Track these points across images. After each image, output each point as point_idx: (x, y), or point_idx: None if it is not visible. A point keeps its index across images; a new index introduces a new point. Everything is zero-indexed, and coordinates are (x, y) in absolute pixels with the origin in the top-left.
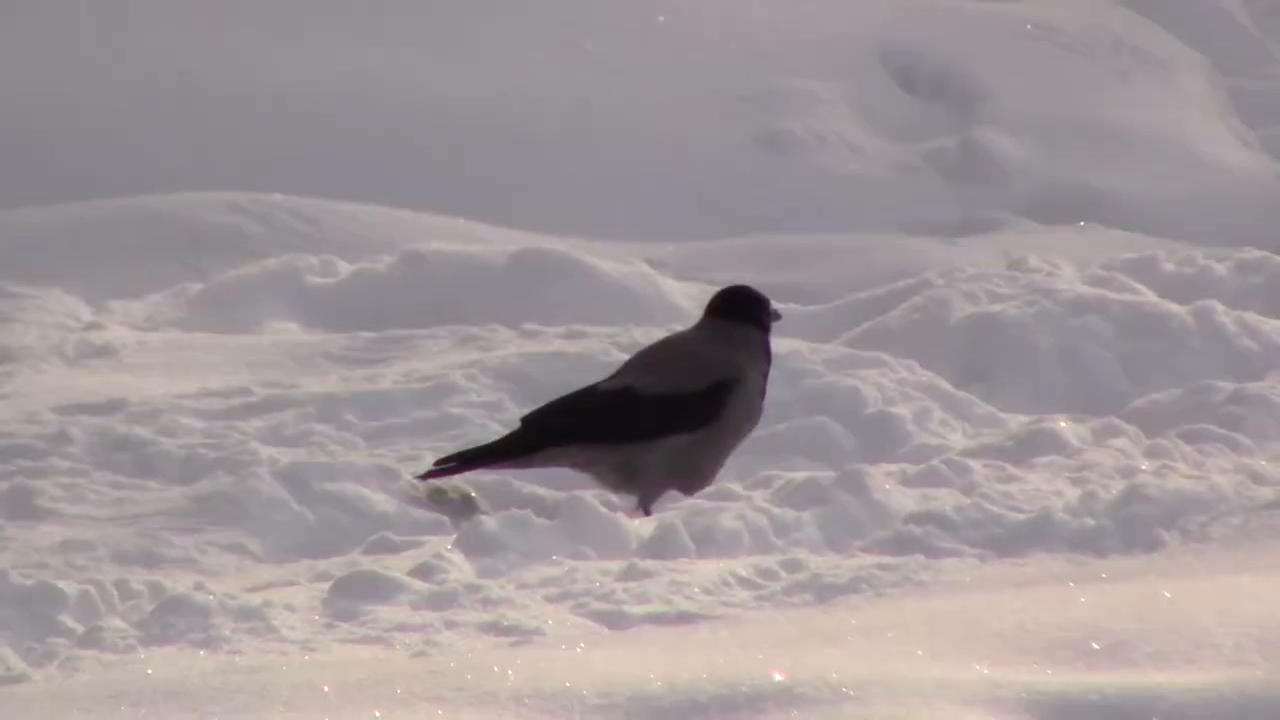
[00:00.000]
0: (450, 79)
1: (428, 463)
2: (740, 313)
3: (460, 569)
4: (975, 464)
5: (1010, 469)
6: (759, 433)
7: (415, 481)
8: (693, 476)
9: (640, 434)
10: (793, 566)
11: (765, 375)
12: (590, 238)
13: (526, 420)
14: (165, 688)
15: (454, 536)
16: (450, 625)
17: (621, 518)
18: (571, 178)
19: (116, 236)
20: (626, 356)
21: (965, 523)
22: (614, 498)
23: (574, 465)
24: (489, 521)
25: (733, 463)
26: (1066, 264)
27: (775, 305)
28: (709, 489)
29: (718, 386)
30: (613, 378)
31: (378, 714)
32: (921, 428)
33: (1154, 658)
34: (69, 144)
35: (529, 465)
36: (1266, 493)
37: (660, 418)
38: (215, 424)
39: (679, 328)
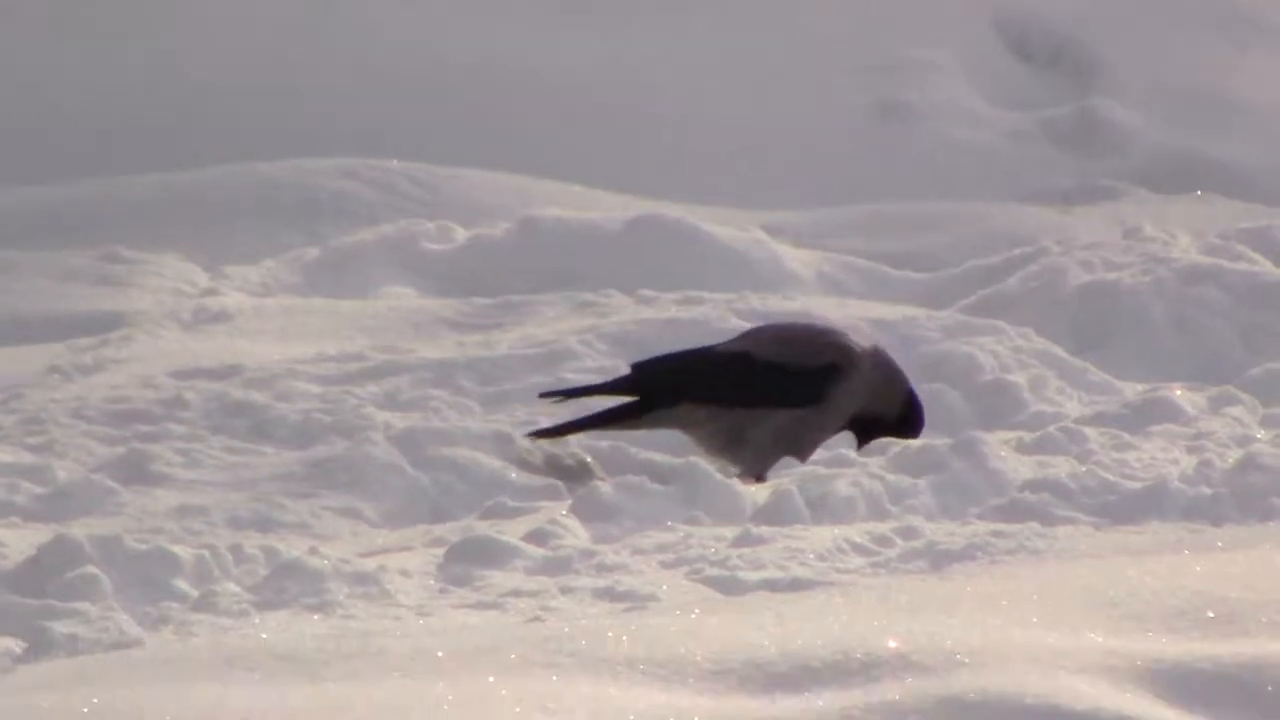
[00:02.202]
0: (565, 46)
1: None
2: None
3: (575, 535)
4: (1091, 432)
5: (1126, 437)
6: None
7: (527, 444)
8: (795, 452)
9: (749, 402)
10: (908, 533)
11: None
12: (707, 204)
13: (637, 366)
14: (279, 652)
15: (569, 502)
16: (565, 591)
17: (736, 484)
18: (688, 145)
19: (232, 203)
20: (741, 323)
21: (1080, 490)
22: (725, 464)
23: (681, 427)
24: (604, 487)
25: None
26: (1183, 233)
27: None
28: (825, 455)
29: (830, 368)
30: (733, 341)
31: (491, 679)
32: (1037, 395)
33: (1268, 627)
34: (184, 111)
35: (638, 426)
36: None
37: (770, 388)
38: (330, 389)
39: (794, 294)
